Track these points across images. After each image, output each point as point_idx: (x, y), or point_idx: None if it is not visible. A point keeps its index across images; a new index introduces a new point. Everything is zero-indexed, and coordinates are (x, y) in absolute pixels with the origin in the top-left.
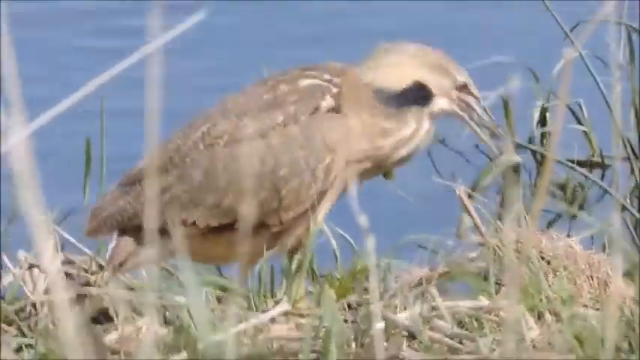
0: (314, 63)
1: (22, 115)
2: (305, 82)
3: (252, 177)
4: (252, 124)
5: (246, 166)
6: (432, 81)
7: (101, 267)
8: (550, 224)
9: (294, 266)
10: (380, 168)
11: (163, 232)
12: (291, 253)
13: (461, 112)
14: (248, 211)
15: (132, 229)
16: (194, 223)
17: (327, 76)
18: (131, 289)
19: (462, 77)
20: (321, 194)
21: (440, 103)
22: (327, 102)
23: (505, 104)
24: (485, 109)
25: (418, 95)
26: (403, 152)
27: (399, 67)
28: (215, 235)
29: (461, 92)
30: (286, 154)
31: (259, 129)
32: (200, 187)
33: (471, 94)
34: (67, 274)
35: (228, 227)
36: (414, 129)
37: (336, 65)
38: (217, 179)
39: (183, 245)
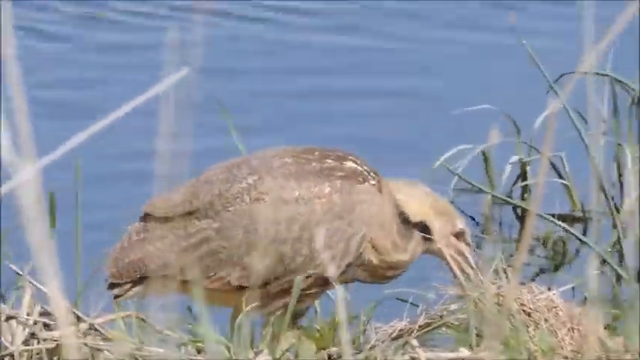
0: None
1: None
2: (350, 164)
3: (292, 242)
4: (299, 189)
5: (287, 230)
6: (436, 226)
7: (79, 318)
8: (532, 278)
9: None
10: (368, 275)
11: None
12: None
13: (449, 258)
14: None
15: (156, 277)
16: (227, 280)
17: (367, 168)
18: (109, 339)
19: (461, 225)
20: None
21: (437, 245)
22: (369, 186)
23: (485, 159)
24: (474, 256)
25: (423, 230)
26: (390, 273)
27: (417, 201)
28: (240, 291)
29: (458, 238)
30: (326, 225)
31: (305, 195)
32: (240, 246)
33: (466, 241)
34: (46, 325)
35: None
36: (408, 259)
37: (366, 162)
38: (258, 239)
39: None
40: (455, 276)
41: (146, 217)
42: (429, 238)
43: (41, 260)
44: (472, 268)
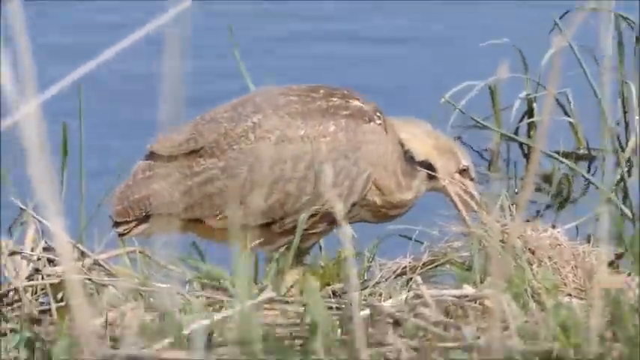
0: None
1: (33, 87)
2: (356, 103)
3: (297, 181)
4: (304, 127)
5: (292, 169)
6: (439, 164)
7: (83, 254)
8: (536, 215)
9: (278, 255)
10: (372, 215)
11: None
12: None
13: (454, 195)
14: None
15: (161, 215)
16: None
17: (372, 107)
18: (113, 275)
19: (465, 162)
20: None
21: (442, 182)
22: (374, 125)
23: (492, 94)
24: (478, 192)
25: (427, 168)
26: (394, 212)
27: (420, 140)
28: (245, 230)
29: (462, 175)
30: (332, 163)
31: (310, 133)
32: (245, 185)
33: (470, 178)
34: (49, 261)
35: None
36: (412, 197)
37: (373, 102)
38: (263, 178)
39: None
40: (459, 213)
41: (151, 156)
42: (433, 176)
43: (44, 195)
44: (477, 203)
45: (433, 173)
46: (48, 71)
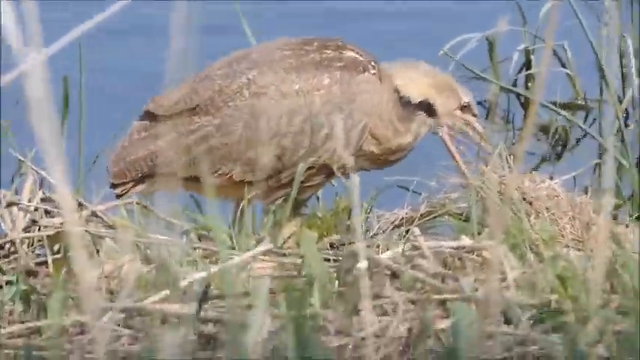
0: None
1: (39, 40)
2: (349, 54)
3: (293, 135)
4: (298, 81)
5: (288, 124)
6: (438, 102)
7: (81, 205)
8: (534, 167)
9: (275, 207)
10: (370, 164)
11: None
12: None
13: (451, 144)
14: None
15: (159, 175)
16: (230, 175)
17: (366, 57)
18: (111, 226)
19: (466, 98)
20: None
21: (443, 120)
22: (368, 75)
23: (490, 46)
24: (482, 126)
25: (426, 109)
26: (393, 157)
27: (416, 82)
28: (243, 185)
29: (463, 111)
30: (327, 116)
31: (305, 87)
32: (240, 142)
33: (472, 113)
34: (47, 212)
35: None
36: (411, 140)
37: (367, 51)
38: (259, 134)
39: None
40: (457, 165)
41: (147, 116)
42: (434, 116)
43: (46, 146)
44: (481, 138)
45: (433, 114)
46: (52, 25)
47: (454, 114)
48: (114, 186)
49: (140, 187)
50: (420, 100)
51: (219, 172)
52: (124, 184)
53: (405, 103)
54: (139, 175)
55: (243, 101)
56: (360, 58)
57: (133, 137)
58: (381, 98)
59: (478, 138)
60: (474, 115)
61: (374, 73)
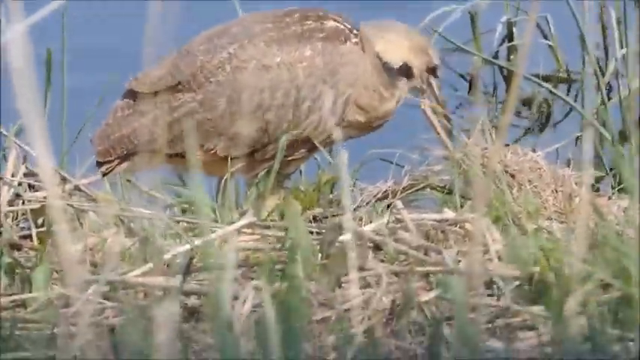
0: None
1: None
2: (331, 24)
3: (276, 109)
4: (280, 54)
5: (270, 98)
6: (415, 64)
7: (64, 179)
8: (517, 140)
9: (259, 179)
10: (357, 132)
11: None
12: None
13: (433, 117)
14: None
15: (143, 152)
16: (214, 151)
17: (348, 25)
18: (94, 200)
19: (436, 61)
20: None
21: (416, 82)
22: (351, 45)
23: (472, 18)
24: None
25: (405, 72)
26: (377, 123)
27: (396, 45)
28: (226, 161)
29: (430, 73)
30: (310, 89)
31: (287, 60)
32: (224, 116)
33: (435, 75)
34: (30, 186)
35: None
36: (394, 106)
37: (348, 19)
38: (242, 108)
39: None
40: (439, 137)
41: (130, 94)
42: (411, 78)
43: (28, 118)
44: (439, 102)
45: (409, 76)
46: None
47: (423, 75)
48: (99, 164)
49: (124, 165)
50: (400, 64)
51: (204, 147)
52: (108, 162)
53: (387, 68)
54: (124, 152)
55: (225, 76)
56: (342, 27)
57: (117, 115)
58: (365, 67)
59: (436, 101)
60: (436, 78)
61: (356, 42)
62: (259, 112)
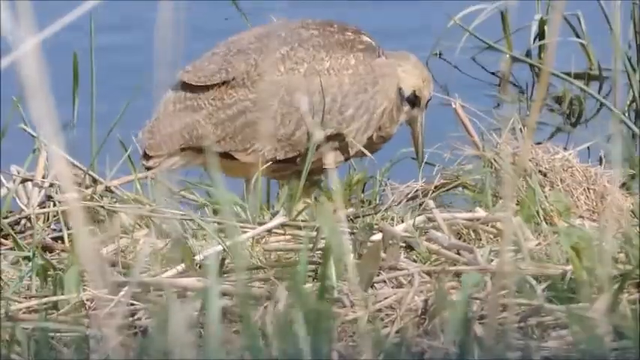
0: None
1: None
2: (366, 38)
3: (322, 113)
4: (328, 60)
5: (320, 102)
6: (424, 94)
7: (95, 181)
8: (549, 138)
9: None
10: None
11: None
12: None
13: (420, 132)
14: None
15: (194, 148)
16: (262, 152)
17: (376, 44)
18: (125, 201)
19: (432, 92)
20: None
21: (416, 112)
22: (385, 60)
23: (503, 17)
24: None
25: (412, 101)
26: (379, 146)
27: (411, 75)
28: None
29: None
30: (355, 96)
31: (335, 66)
32: (275, 118)
33: (425, 107)
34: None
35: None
36: (395, 131)
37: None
38: (294, 111)
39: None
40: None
41: (182, 86)
42: (416, 107)
43: (42, 123)
44: (421, 132)
45: (414, 105)
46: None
47: (423, 108)
48: (146, 157)
49: (172, 160)
50: (410, 92)
51: (252, 148)
52: (157, 156)
53: (399, 93)
54: (175, 147)
55: (279, 76)
56: (374, 44)
57: (169, 109)
58: (395, 83)
59: (420, 131)
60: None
61: (385, 59)
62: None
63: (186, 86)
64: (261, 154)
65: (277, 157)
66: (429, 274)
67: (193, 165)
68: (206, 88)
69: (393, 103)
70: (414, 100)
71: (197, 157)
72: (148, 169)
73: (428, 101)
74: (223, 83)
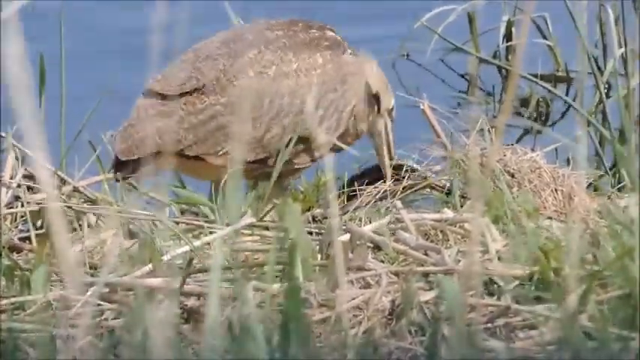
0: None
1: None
2: (330, 34)
3: (293, 115)
4: (296, 61)
5: (290, 104)
6: (385, 98)
7: (63, 181)
8: (516, 139)
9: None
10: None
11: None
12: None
13: (384, 140)
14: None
15: (165, 153)
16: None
17: (341, 38)
18: (93, 202)
19: (393, 102)
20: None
21: (381, 118)
22: (351, 56)
23: (470, 19)
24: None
25: (375, 103)
26: (349, 145)
27: (376, 76)
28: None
29: (388, 114)
30: (324, 95)
31: (302, 66)
32: (246, 122)
33: (392, 118)
34: (29, 188)
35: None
36: (366, 130)
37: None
38: (264, 113)
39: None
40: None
41: (153, 94)
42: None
43: (25, 121)
44: (389, 147)
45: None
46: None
47: (383, 114)
48: (118, 167)
49: (145, 166)
50: (375, 91)
51: (222, 151)
52: (127, 165)
53: (367, 90)
54: (147, 152)
55: (248, 80)
56: (339, 38)
57: (141, 114)
58: (363, 80)
59: (386, 145)
60: (392, 121)
61: (351, 54)
62: (277, 118)
63: (157, 94)
64: (230, 157)
65: (247, 159)
66: (396, 274)
67: (165, 169)
68: (177, 95)
69: (363, 100)
70: (375, 103)
71: (169, 161)
72: (124, 179)
73: (391, 111)
74: (194, 90)
